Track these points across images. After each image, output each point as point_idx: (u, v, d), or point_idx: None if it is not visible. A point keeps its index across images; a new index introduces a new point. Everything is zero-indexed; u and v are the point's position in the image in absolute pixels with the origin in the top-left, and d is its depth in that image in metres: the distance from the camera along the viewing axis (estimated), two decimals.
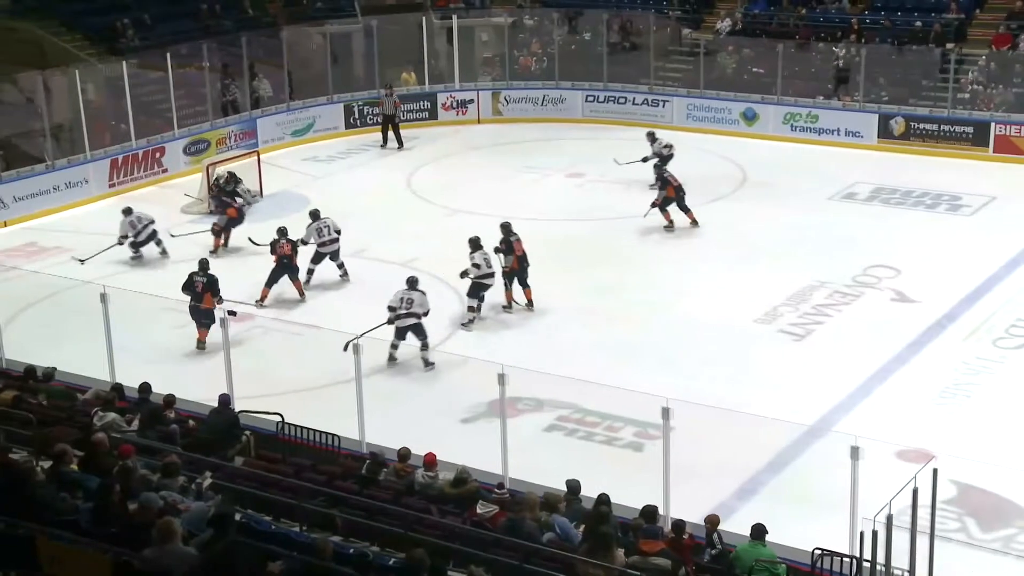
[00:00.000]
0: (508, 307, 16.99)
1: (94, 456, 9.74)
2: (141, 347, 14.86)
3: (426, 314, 15.16)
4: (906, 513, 9.24)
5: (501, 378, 11.16)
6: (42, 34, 26.89)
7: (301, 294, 17.59)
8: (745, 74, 27.53)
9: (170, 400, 12.14)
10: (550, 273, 18.44)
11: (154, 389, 12.38)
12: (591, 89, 28.02)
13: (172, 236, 19.69)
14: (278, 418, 12.28)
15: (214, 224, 19.76)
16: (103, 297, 13.61)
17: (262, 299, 17.22)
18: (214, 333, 14.44)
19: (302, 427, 12.07)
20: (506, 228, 17.14)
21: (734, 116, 26.55)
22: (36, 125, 23.12)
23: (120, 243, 19.14)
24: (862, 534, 8.94)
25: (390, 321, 15.08)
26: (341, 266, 18.33)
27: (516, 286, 16.95)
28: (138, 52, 26.04)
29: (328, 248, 18.14)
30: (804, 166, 24.01)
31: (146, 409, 11.94)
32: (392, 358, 15.10)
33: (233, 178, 21.39)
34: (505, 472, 11.33)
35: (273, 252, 17.40)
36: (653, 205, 20.38)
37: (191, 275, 15.99)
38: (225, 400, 12.23)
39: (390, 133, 26.08)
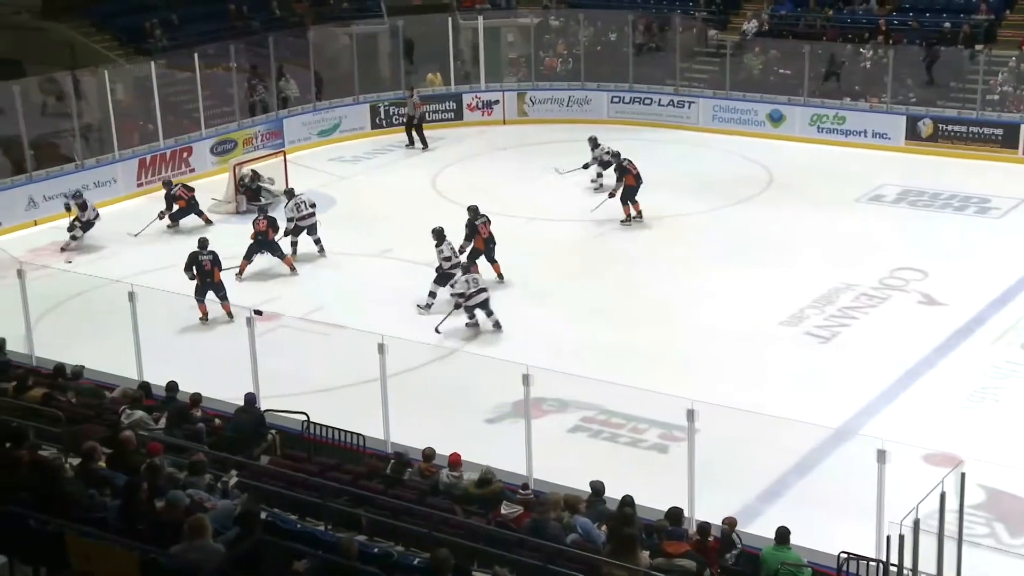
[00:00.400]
0: (500, 279, 17.93)
1: (122, 454, 9.82)
2: (168, 345, 14.95)
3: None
4: (933, 517, 9.18)
5: (526, 379, 11.17)
6: (73, 35, 27.18)
7: (292, 268, 18.64)
8: (771, 75, 27.42)
9: (196, 399, 12.21)
10: (575, 274, 18.47)
11: (180, 388, 12.45)
12: (617, 90, 27.99)
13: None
14: (303, 417, 12.33)
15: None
16: (131, 296, 13.71)
17: (240, 272, 18.18)
18: (234, 330, 14.48)
19: (327, 426, 12.12)
20: (473, 211, 17.92)
21: (760, 117, 26.46)
22: (66, 125, 23.31)
23: (160, 217, 20.42)
24: (888, 538, 8.89)
25: (457, 306, 16.02)
26: (318, 241, 19.37)
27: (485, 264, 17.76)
28: (166, 52, 26.24)
29: (306, 222, 19.20)
30: (830, 168, 23.89)
31: (173, 407, 12.02)
32: (474, 324, 16.16)
33: (256, 176, 21.58)
34: (529, 473, 11.33)
35: (253, 227, 18.57)
36: (611, 195, 20.65)
37: (194, 255, 16.76)
38: (251, 399, 12.30)
39: (414, 134, 26.15)
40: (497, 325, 16.20)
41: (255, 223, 18.61)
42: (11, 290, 14.92)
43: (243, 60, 26.27)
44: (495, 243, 17.78)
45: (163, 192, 21.09)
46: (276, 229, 18.64)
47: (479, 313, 16.19)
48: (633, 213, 20.60)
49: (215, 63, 25.63)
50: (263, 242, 18.45)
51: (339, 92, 27.28)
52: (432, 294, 16.92)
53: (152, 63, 24.40)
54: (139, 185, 23.12)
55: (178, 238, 20.35)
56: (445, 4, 30.40)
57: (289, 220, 19.16)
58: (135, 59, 26.02)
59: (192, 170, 24.17)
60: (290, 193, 19.84)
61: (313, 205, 19.38)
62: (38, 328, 15.05)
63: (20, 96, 21.82)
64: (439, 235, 17.13)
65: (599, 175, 22.35)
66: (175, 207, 20.82)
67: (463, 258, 17.22)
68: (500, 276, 17.83)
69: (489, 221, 17.88)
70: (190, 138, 24.51)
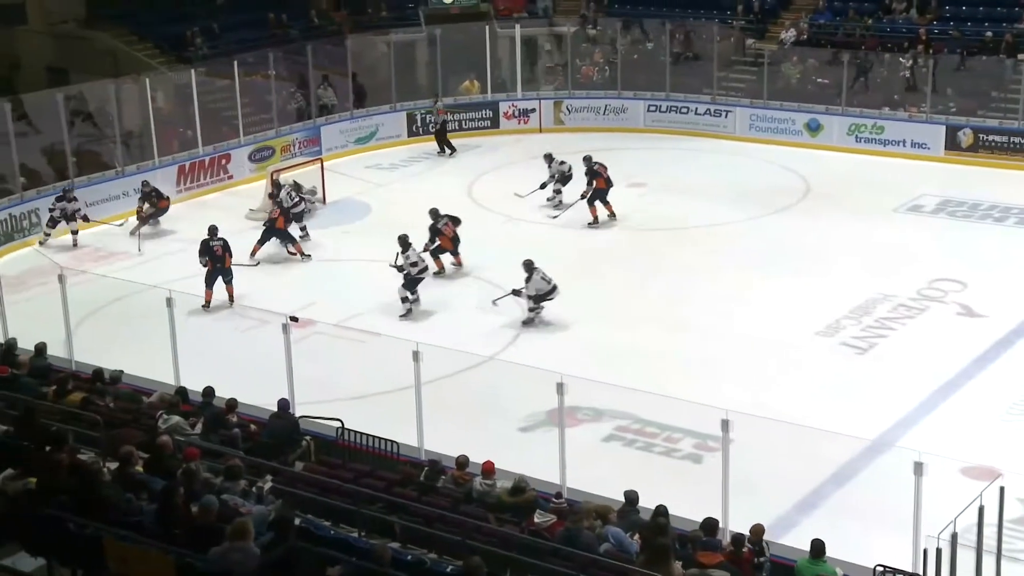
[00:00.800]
0: (440, 272, 18.95)
1: (159, 458, 9.91)
2: (205, 351, 15.08)
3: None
4: (971, 531, 9.09)
5: (560, 387, 11.16)
6: (115, 43, 27.54)
7: (301, 254, 19.81)
8: (809, 84, 27.26)
9: (232, 404, 12.30)
10: (613, 282, 18.45)
11: (216, 393, 12.55)
12: (653, 99, 27.93)
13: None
14: (338, 424, 12.39)
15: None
16: (169, 301, 13.85)
17: (252, 253, 19.50)
18: (270, 336, 14.58)
19: (362, 433, 12.17)
20: (434, 214, 19.01)
21: (798, 127, 26.30)
22: (107, 132, 23.60)
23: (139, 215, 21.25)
24: (926, 552, 8.81)
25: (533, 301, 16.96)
26: (304, 228, 20.73)
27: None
28: (206, 60, 26.50)
29: (296, 208, 20.63)
30: (869, 178, 23.70)
31: (209, 413, 12.12)
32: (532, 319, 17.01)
33: (297, 187, 21.73)
34: (563, 482, 11.31)
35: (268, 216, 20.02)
36: (583, 197, 21.02)
37: (205, 241, 17.77)
38: (284, 405, 12.37)
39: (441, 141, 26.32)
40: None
41: (269, 214, 20.00)
42: (52, 295, 15.12)
43: (282, 68, 26.49)
44: (459, 241, 19.16)
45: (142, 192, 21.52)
46: (289, 220, 20.11)
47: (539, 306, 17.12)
48: (605, 215, 21.16)
49: (254, 71, 25.86)
50: (272, 230, 19.69)
51: (376, 100, 27.42)
52: (405, 299, 17.37)
53: (192, 71, 24.66)
54: (178, 192, 23.33)
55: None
56: (483, 13, 30.49)
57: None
58: (176, 67, 26.31)
59: (230, 177, 24.40)
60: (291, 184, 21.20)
61: (302, 197, 21.09)
62: (78, 333, 15.23)
63: (63, 104, 22.12)
64: (404, 243, 17.68)
65: (558, 191, 22.33)
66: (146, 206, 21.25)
67: (428, 259, 18.39)
68: (459, 264, 19.36)
69: (455, 221, 19.12)
70: (228, 145, 24.73)
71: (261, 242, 19.64)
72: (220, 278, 17.59)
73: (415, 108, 27.60)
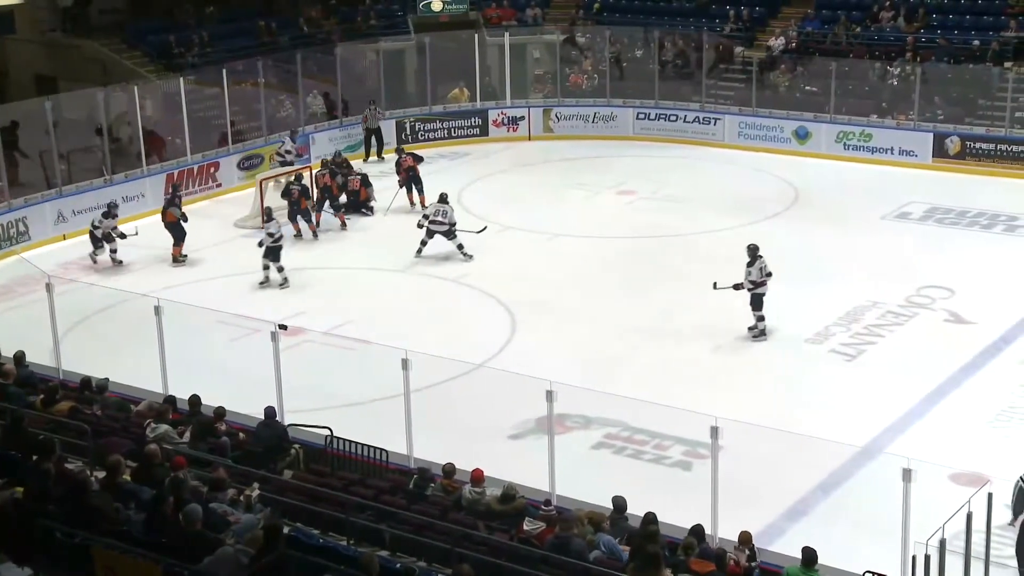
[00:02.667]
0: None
1: (147, 467, 9.88)
2: (193, 359, 15.04)
3: None
4: (960, 538, 9.11)
5: (549, 395, 11.16)
6: (104, 51, 27.50)
7: (315, 234, 21.37)
8: (798, 92, 27.37)
9: (220, 413, 12.27)
10: (602, 290, 18.47)
11: (205, 402, 12.52)
12: (642, 107, 28.00)
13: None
14: (327, 432, 12.37)
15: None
16: (157, 310, 13.81)
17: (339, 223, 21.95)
18: (259, 345, 14.55)
19: (351, 441, 12.15)
20: (398, 151, 23.48)
21: (786, 134, 26.39)
22: (96, 140, 23.56)
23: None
24: (914, 558, 8.82)
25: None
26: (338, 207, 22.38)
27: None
28: (196, 69, 26.49)
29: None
30: (857, 185, 23.79)
31: (197, 421, 12.09)
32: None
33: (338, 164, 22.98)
34: (552, 489, 11.31)
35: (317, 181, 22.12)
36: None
37: (288, 184, 21.08)
38: (271, 413, 12.35)
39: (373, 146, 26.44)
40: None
41: (318, 176, 22.02)
42: (40, 304, 15.07)
43: (271, 76, 26.48)
44: (419, 181, 22.66)
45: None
46: (369, 186, 22.54)
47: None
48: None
49: (243, 79, 25.85)
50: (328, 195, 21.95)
51: (366, 108, 27.41)
52: (267, 266, 18.74)
53: (181, 79, 24.63)
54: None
55: (202, 254, 20.48)
56: (472, 21, 30.55)
57: (424, 217, 21.03)
58: (165, 75, 26.29)
59: (219, 185, 24.37)
60: (443, 197, 21.51)
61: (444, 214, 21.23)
62: (66, 342, 15.18)
63: (51, 112, 22.07)
64: (268, 215, 19.45)
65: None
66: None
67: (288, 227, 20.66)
68: (413, 204, 22.64)
69: (415, 159, 22.77)
70: (217, 153, 24.71)
71: (418, 189, 22.60)
72: (301, 217, 20.73)
73: (404, 116, 27.62)
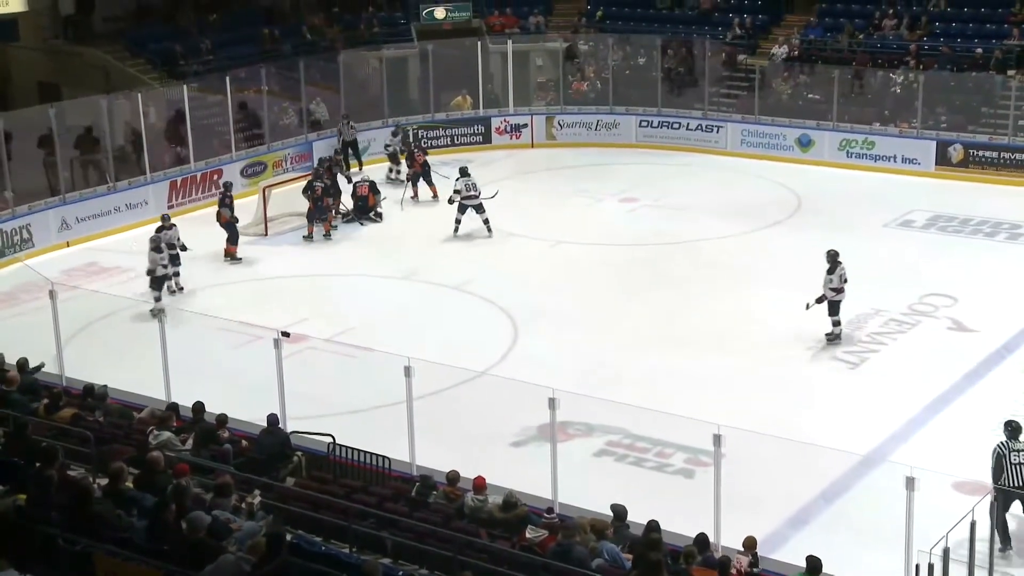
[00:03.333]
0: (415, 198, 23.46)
1: (150, 474, 9.88)
2: (195, 366, 15.04)
3: None
4: (964, 546, 9.10)
5: (552, 402, 11.16)
6: (107, 59, 27.55)
7: (328, 234, 21.81)
8: (800, 100, 27.38)
9: (223, 420, 12.27)
10: (604, 297, 18.46)
11: (209, 409, 12.52)
12: (645, 114, 28.02)
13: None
14: (329, 439, 12.36)
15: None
16: (160, 317, 13.81)
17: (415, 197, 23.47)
18: (261, 352, 14.56)
19: (353, 448, 12.14)
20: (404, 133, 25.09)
21: (789, 142, 26.40)
22: (92, 146, 23.58)
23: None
24: (918, 567, 8.81)
25: (451, 201, 21.25)
26: (486, 221, 22.14)
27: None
28: (199, 76, 26.53)
29: (471, 201, 21.94)
30: (860, 193, 23.78)
31: (200, 428, 12.09)
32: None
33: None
34: (555, 497, 11.30)
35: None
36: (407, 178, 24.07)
37: (311, 182, 21.56)
38: (273, 420, 12.34)
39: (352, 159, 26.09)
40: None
41: (357, 186, 22.66)
42: (43, 311, 15.08)
43: (274, 84, 26.52)
44: (430, 169, 23.44)
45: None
46: (377, 192, 22.70)
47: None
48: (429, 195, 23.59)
49: (246, 87, 25.89)
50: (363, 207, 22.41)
51: (369, 116, 27.47)
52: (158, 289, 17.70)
53: (184, 86, 24.68)
54: (170, 207, 23.30)
55: (205, 261, 20.50)
56: (474, 29, 30.59)
57: (456, 193, 21.67)
58: (168, 83, 26.34)
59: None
60: (464, 171, 22.15)
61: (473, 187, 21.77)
62: (69, 348, 15.19)
63: (56, 119, 22.10)
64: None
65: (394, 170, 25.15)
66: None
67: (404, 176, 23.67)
68: (436, 195, 23.36)
69: (423, 151, 24.01)
70: (220, 160, 24.74)
71: (428, 181, 23.36)
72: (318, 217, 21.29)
73: (408, 123, 27.66)
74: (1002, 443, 11.21)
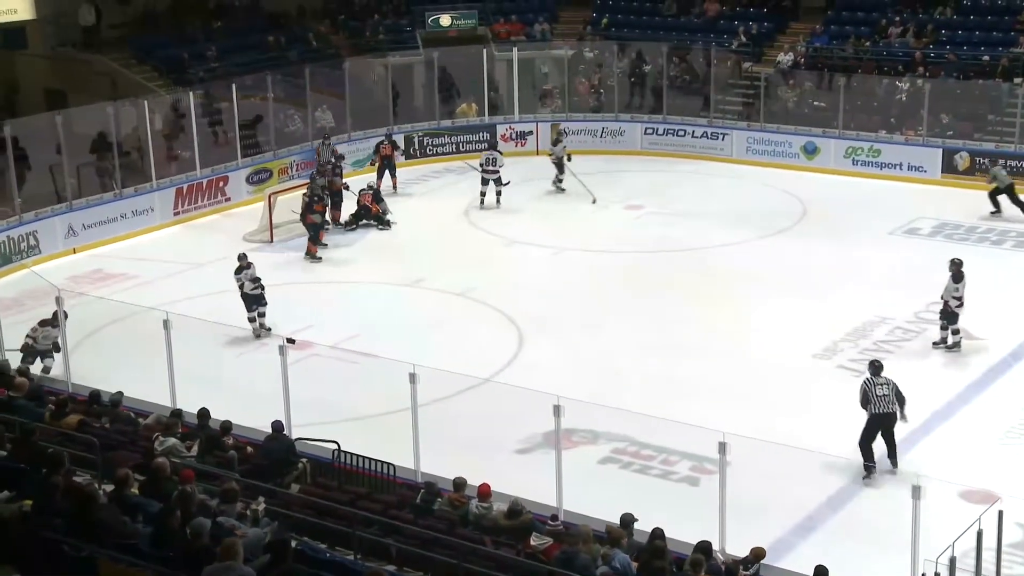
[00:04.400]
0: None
1: (155, 481, 9.89)
2: (201, 373, 15.05)
3: None
4: (970, 556, 9.07)
5: (556, 409, 11.15)
6: (114, 66, 27.63)
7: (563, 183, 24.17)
8: (806, 107, 27.38)
9: (227, 426, 12.28)
10: (609, 304, 18.45)
11: (214, 415, 12.53)
12: (650, 122, 28.03)
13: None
14: (334, 446, 12.37)
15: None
16: (166, 324, 13.84)
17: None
18: (267, 358, 14.56)
19: (358, 455, 12.14)
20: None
21: (794, 150, 26.39)
22: (105, 153, 23.63)
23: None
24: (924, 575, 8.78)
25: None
26: (499, 193, 23.92)
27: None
28: (205, 83, 26.60)
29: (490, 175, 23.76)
30: (865, 200, 23.76)
31: (205, 435, 12.10)
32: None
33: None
34: (559, 504, 11.29)
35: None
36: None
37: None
38: (278, 427, 12.34)
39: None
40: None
41: (361, 194, 22.66)
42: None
43: (279, 91, 26.56)
44: (390, 167, 24.46)
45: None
46: (380, 201, 22.88)
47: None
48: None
49: (252, 94, 25.93)
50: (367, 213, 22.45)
51: (374, 123, 27.50)
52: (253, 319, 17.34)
53: (191, 93, 24.73)
54: (175, 214, 23.39)
55: (208, 266, 20.54)
56: (480, 36, 30.63)
57: (479, 164, 23.67)
58: (174, 90, 26.40)
59: (228, 199, 24.41)
60: (491, 144, 24.25)
61: (494, 161, 23.52)
62: (75, 355, 15.21)
63: (62, 126, 22.16)
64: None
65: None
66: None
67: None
68: (395, 188, 24.64)
69: (393, 145, 24.54)
70: (226, 168, 24.78)
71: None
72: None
73: (412, 131, 27.68)
74: (867, 379, 13.28)
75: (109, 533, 8.49)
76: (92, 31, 28.46)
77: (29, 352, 15.55)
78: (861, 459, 12.74)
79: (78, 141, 23.25)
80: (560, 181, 24.82)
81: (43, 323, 15.69)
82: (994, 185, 22.44)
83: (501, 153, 23.72)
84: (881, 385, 13.15)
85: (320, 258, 20.86)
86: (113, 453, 10.91)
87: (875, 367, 13.42)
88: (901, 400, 13.18)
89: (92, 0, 28.39)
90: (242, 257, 17.83)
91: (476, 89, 28.49)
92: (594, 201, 23.72)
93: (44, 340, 15.64)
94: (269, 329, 17.23)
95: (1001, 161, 23.65)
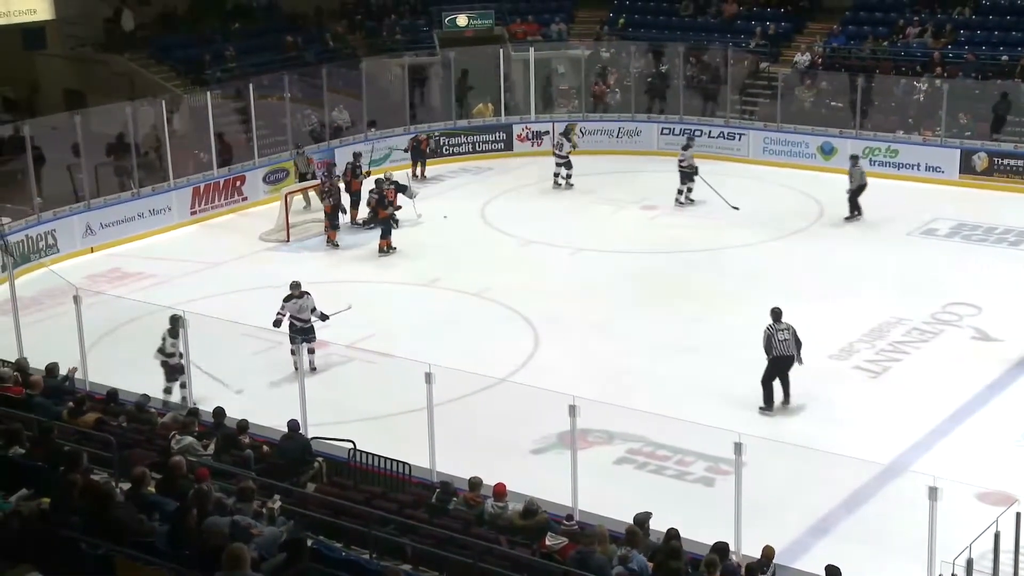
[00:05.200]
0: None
1: (172, 479, 9.93)
2: (218, 372, 15.11)
3: None
4: (987, 558, 9.04)
5: (572, 410, 11.15)
6: (132, 66, 27.78)
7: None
8: (823, 108, 27.29)
9: (243, 425, 12.33)
10: (625, 305, 18.44)
11: (230, 414, 12.58)
12: (667, 122, 27.99)
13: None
14: (350, 445, 12.40)
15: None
16: (182, 322, 13.89)
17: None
18: (282, 357, 14.59)
19: (374, 455, 12.17)
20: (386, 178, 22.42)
21: (811, 150, 26.31)
22: (124, 154, 23.76)
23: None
24: None
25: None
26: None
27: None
28: (222, 83, 26.70)
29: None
30: (883, 201, 23.61)
31: (221, 434, 12.14)
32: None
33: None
34: (575, 504, 11.28)
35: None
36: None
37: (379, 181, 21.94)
38: (294, 426, 12.38)
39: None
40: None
41: (384, 189, 21.88)
42: (67, 316, 15.18)
43: (296, 91, 26.65)
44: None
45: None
46: (404, 189, 22.65)
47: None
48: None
49: (269, 94, 26.03)
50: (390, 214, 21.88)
51: (391, 122, 27.56)
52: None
53: (208, 93, 24.83)
54: (192, 213, 23.48)
55: (224, 265, 20.62)
56: (497, 36, 30.65)
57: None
58: (192, 89, 26.51)
59: (245, 198, 24.50)
60: (565, 130, 25.80)
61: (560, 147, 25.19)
62: (93, 353, 15.29)
63: (81, 126, 22.29)
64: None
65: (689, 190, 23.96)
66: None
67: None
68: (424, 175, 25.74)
69: (399, 188, 22.49)
70: (243, 167, 24.87)
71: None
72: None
73: (429, 130, 27.73)
74: (770, 325, 14.44)
75: (126, 531, 8.53)
76: (117, 32, 28.61)
77: (174, 370, 14.48)
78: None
79: (96, 140, 23.37)
80: (690, 191, 23.68)
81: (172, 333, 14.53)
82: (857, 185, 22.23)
83: (568, 140, 25.21)
84: (783, 331, 14.40)
85: (395, 248, 21.33)
86: (130, 451, 10.95)
87: (775, 314, 14.59)
88: (799, 344, 14.38)
89: (125, 2, 28.55)
90: (295, 286, 15.90)
91: (492, 89, 28.51)
92: (736, 208, 22.73)
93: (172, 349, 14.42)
94: (315, 369, 15.59)
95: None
